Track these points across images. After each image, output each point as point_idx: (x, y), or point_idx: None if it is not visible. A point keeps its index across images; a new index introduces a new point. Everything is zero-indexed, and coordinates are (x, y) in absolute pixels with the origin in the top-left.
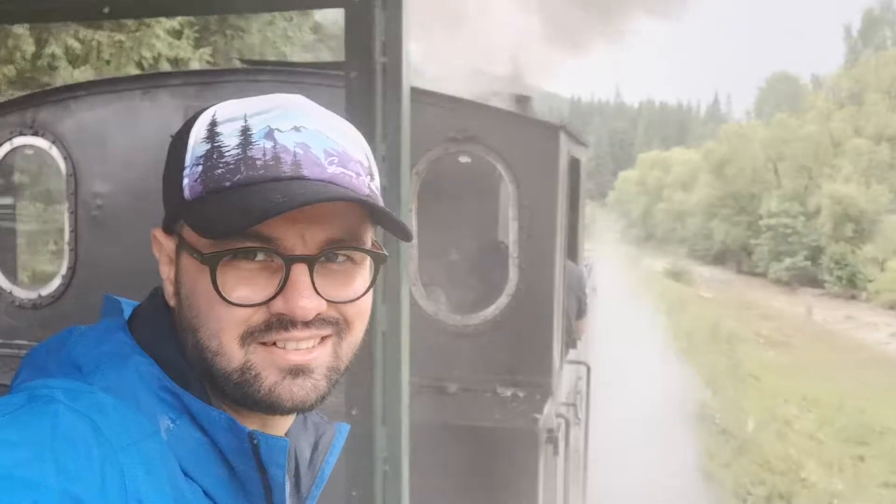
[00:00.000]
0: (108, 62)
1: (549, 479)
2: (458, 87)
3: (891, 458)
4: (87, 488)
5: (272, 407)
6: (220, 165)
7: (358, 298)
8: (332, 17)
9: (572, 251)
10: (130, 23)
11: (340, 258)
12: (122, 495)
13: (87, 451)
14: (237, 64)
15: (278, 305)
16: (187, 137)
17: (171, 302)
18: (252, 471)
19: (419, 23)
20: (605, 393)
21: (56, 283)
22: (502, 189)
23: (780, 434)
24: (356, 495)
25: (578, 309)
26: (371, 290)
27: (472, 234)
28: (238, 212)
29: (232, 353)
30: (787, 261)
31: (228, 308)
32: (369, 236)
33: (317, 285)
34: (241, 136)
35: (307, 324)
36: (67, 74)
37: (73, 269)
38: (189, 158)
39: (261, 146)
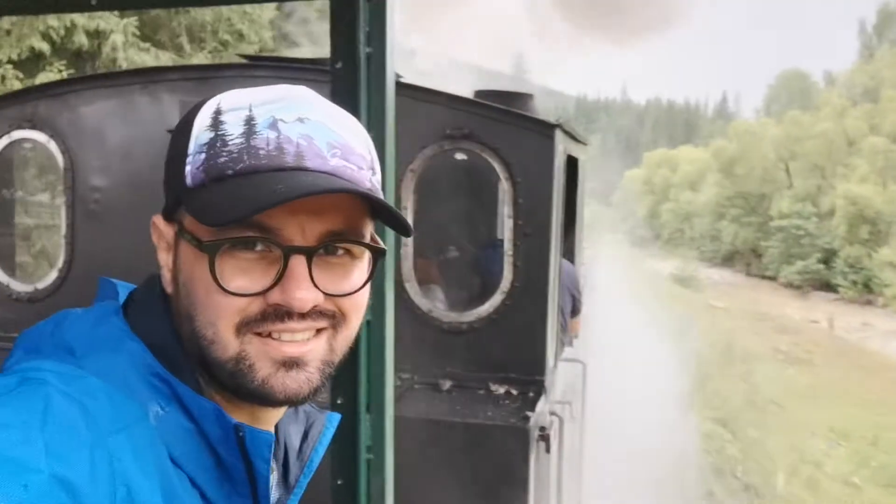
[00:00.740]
0: (7, 32)
1: (541, 477)
2: (459, 83)
3: None
4: (77, 472)
5: (264, 398)
6: (224, 154)
7: (355, 292)
8: None
9: (569, 250)
10: None
11: (339, 251)
12: (111, 479)
13: (77, 434)
14: (235, 58)
15: (275, 296)
16: (192, 125)
17: (169, 289)
18: (237, 461)
19: (421, 17)
20: (606, 453)
21: (53, 276)
22: (498, 187)
23: (811, 482)
24: (341, 484)
25: (573, 307)
26: (368, 285)
27: (467, 231)
28: (239, 201)
29: (227, 342)
30: (799, 264)
31: (225, 297)
32: (368, 230)
33: (314, 277)
34: (245, 125)
35: (303, 316)
36: None
37: (69, 263)
38: (192, 146)
39: (264, 136)
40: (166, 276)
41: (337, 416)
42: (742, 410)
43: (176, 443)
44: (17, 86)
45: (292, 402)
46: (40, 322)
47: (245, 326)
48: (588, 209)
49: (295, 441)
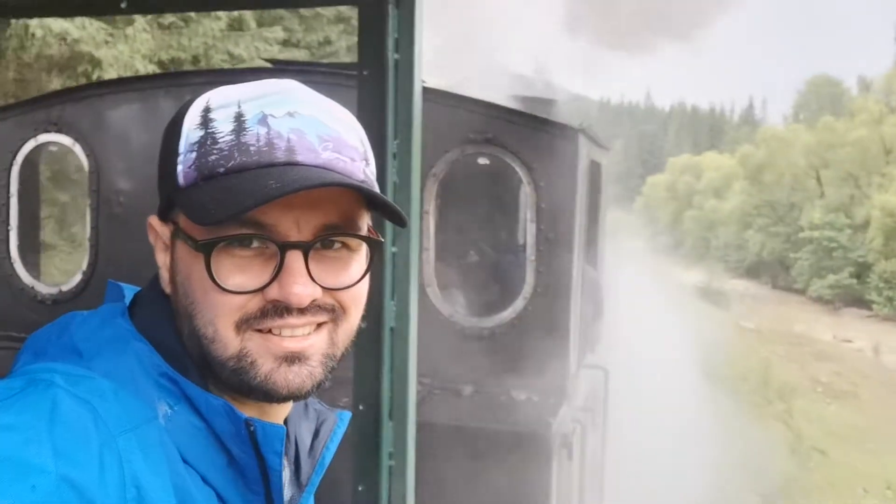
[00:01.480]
0: None
1: (564, 485)
2: (482, 88)
3: None
4: (85, 473)
5: (268, 394)
6: (214, 152)
7: (353, 285)
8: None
9: (591, 256)
10: None
11: (336, 244)
12: (120, 480)
13: (86, 435)
14: (260, 63)
15: (273, 292)
16: (181, 124)
17: (168, 289)
18: (249, 457)
19: (444, 23)
20: None
21: (77, 278)
22: (521, 191)
23: None
24: (362, 490)
25: (595, 313)
26: (367, 277)
27: (489, 236)
28: (232, 198)
29: (228, 340)
30: (831, 278)
31: (223, 295)
32: (365, 222)
33: (312, 272)
34: (234, 122)
35: (302, 310)
36: None
37: (93, 266)
38: (183, 145)
39: (254, 132)
40: (164, 276)
41: (348, 414)
42: (783, 458)
43: (186, 441)
44: None
45: (296, 396)
46: (48, 325)
47: (245, 323)
48: (609, 215)
49: (306, 439)
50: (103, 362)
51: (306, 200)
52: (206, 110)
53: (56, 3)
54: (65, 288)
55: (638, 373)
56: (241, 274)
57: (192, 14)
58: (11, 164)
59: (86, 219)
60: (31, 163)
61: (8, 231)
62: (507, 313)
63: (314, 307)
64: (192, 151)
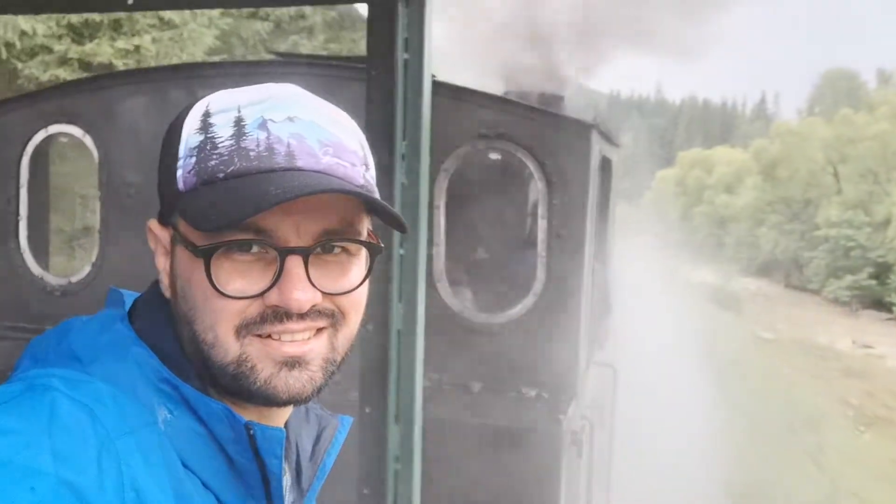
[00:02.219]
0: None
1: (573, 481)
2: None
3: None
4: (84, 476)
5: (268, 399)
6: (214, 157)
7: (353, 290)
8: None
9: (601, 253)
10: None
11: (336, 249)
12: (119, 483)
13: (84, 439)
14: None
15: (273, 297)
16: (181, 128)
17: (168, 294)
18: (249, 462)
19: (451, 17)
20: None
21: (86, 269)
22: (532, 187)
23: None
24: (367, 493)
25: (604, 311)
26: (367, 282)
27: (500, 232)
28: (231, 204)
29: (227, 345)
30: (848, 278)
31: (223, 300)
32: (365, 227)
33: (311, 277)
34: (234, 126)
35: (302, 316)
36: None
37: (102, 257)
38: (183, 149)
39: (254, 137)
40: (164, 280)
41: (349, 420)
42: None
43: (186, 446)
44: None
45: (296, 401)
46: (47, 330)
47: (245, 329)
48: (617, 210)
49: (307, 444)
50: (103, 367)
51: (306, 206)
52: (206, 115)
53: (62, 1)
54: (74, 279)
55: (647, 379)
56: (240, 279)
57: None
58: (21, 155)
59: (96, 210)
60: (41, 153)
61: (18, 221)
62: (518, 310)
63: (314, 312)
64: (191, 156)
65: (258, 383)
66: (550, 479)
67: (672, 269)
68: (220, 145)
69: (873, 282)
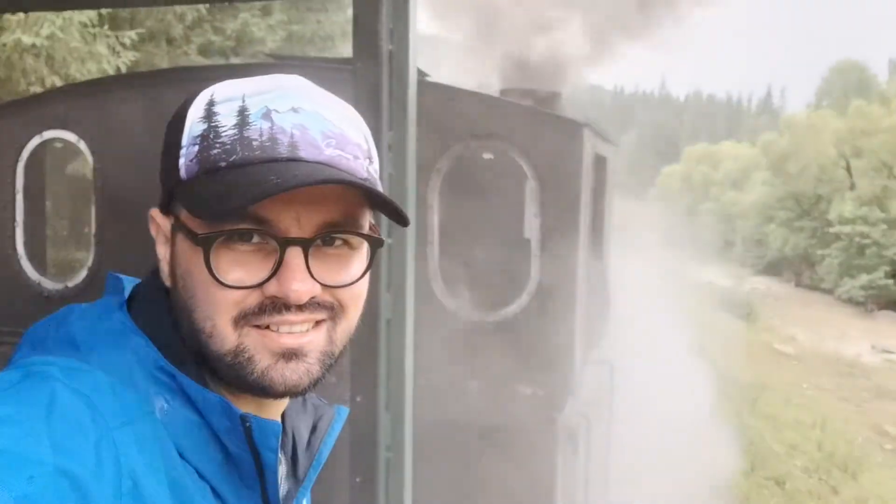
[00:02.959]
0: None
1: (568, 479)
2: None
3: None
4: (82, 465)
5: (264, 390)
6: (217, 145)
7: (353, 283)
8: None
9: (597, 251)
10: None
11: (337, 242)
12: (117, 473)
13: (83, 428)
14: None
15: (272, 288)
16: (185, 117)
17: (168, 282)
18: (245, 453)
19: (449, 13)
20: None
21: (83, 274)
22: (525, 186)
23: None
24: (359, 482)
25: (601, 308)
26: (367, 275)
27: (494, 230)
28: (232, 193)
29: (225, 335)
30: (864, 277)
31: (222, 290)
32: (367, 220)
33: (311, 269)
34: (238, 116)
35: (301, 307)
36: None
37: (99, 262)
38: (186, 138)
39: (257, 127)
40: (164, 269)
41: (346, 410)
42: None
43: (182, 436)
44: None
45: (293, 393)
46: (46, 317)
47: (243, 319)
48: (620, 207)
49: (304, 434)
50: (100, 356)
51: (308, 197)
52: (211, 103)
53: None
54: (70, 284)
55: (649, 432)
56: (240, 269)
57: None
58: (17, 161)
59: (91, 214)
60: (36, 159)
61: (14, 227)
62: (512, 308)
63: (313, 304)
64: (194, 144)
65: (255, 374)
66: (546, 476)
67: (677, 269)
68: (223, 134)
69: (890, 281)
